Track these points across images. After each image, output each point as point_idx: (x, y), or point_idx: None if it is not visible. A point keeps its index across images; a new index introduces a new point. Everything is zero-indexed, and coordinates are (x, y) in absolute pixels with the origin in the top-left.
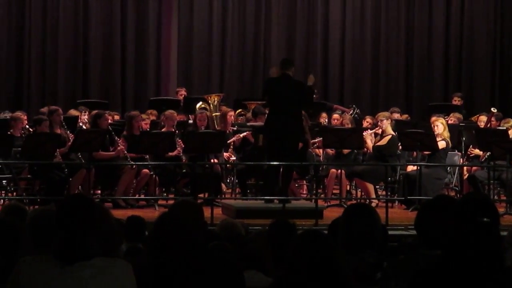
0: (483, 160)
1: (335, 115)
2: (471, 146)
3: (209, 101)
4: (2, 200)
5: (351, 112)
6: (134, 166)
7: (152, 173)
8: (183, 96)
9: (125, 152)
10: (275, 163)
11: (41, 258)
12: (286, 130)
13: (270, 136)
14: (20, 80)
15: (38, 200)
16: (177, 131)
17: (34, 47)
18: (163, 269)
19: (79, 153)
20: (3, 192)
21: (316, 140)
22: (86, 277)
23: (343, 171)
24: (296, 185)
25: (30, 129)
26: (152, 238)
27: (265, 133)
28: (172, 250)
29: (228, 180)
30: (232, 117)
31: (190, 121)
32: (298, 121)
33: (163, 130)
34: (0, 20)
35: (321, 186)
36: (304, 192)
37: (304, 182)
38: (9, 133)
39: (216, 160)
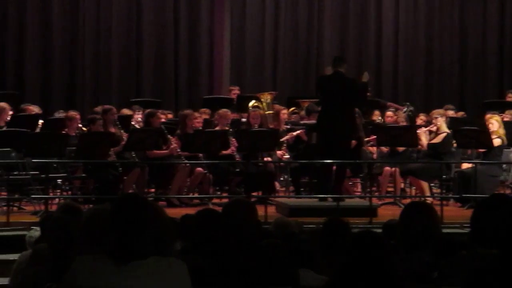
0: None
1: (389, 113)
2: None
3: (262, 99)
4: (57, 199)
5: (404, 109)
6: (187, 165)
7: (205, 171)
8: (236, 94)
9: (179, 150)
10: (328, 161)
11: (96, 257)
12: (338, 128)
13: (322, 134)
14: (74, 79)
15: (93, 199)
16: (230, 130)
17: (87, 47)
18: (216, 267)
19: (133, 152)
20: (58, 191)
21: (370, 138)
22: (141, 276)
23: (397, 169)
24: (350, 183)
25: (84, 128)
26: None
27: (317, 131)
28: (226, 249)
29: (281, 179)
30: (285, 115)
31: (243, 120)
32: (350, 119)
33: (216, 128)
34: (54, 20)
35: (375, 184)
36: (358, 190)
37: (358, 180)
38: (63, 132)
39: (269, 159)
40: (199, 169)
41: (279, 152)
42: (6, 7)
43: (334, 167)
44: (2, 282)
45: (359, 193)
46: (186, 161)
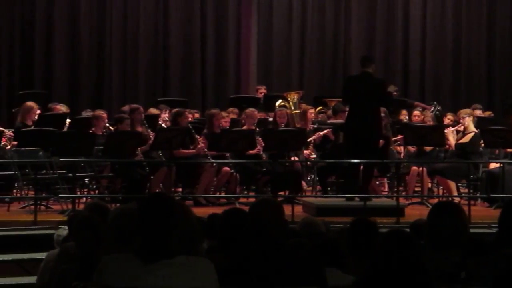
0: None
1: (416, 112)
2: None
3: (289, 99)
4: (84, 198)
5: (432, 109)
6: (214, 165)
7: (232, 171)
8: (263, 93)
9: (205, 150)
10: (355, 160)
11: (124, 257)
12: (366, 128)
13: (350, 134)
14: (101, 79)
15: (120, 198)
16: (257, 129)
17: (114, 46)
18: (243, 266)
19: (160, 151)
20: (85, 190)
21: (398, 137)
22: (168, 275)
23: (424, 168)
24: (377, 182)
25: (111, 128)
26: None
27: (344, 131)
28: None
29: (308, 178)
30: (312, 115)
31: (270, 119)
32: (377, 119)
33: (243, 128)
34: (81, 20)
35: (402, 184)
36: (385, 189)
37: (385, 179)
38: (90, 131)
39: (296, 158)
40: (226, 168)
41: (306, 152)
42: (34, 7)
43: (361, 167)
44: (29, 280)
45: (386, 193)
46: (213, 161)
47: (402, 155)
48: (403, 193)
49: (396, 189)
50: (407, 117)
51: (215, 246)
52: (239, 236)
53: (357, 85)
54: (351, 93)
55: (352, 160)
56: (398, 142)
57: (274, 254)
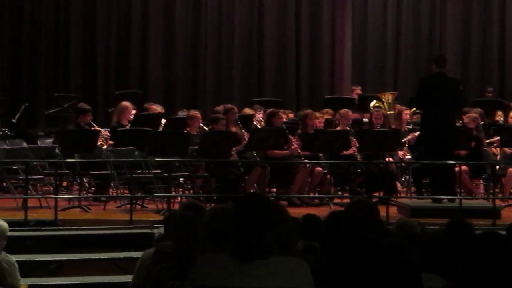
0: None
1: None
2: None
3: (384, 99)
4: (179, 198)
5: None
6: (307, 166)
7: (326, 171)
8: (357, 94)
9: (299, 151)
10: (450, 162)
11: (219, 256)
12: (444, 129)
13: (428, 135)
14: (196, 79)
15: (214, 198)
16: (351, 130)
17: (210, 46)
18: (338, 268)
19: (255, 152)
20: (180, 189)
21: (493, 139)
22: (264, 275)
23: None
24: (474, 184)
25: (205, 128)
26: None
27: (422, 131)
28: (349, 249)
29: (403, 179)
30: (407, 115)
31: (365, 120)
32: (454, 119)
33: (337, 128)
34: (177, 21)
35: (499, 186)
36: (481, 191)
37: (481, 181)
38: (185, 131)
39: (391, 159)
40: (319, 168)
41: (400, 152)
42: (130, 8)
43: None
44: (125, 279)
45: (482, 194)
46: (307, 161)
47: (498, 157)
48: (499, 195)
49: (492, 191)
50: (502, 118)
51: (310, 247)
52: (336, 237)
53: (434, 85)
54: (429, 94)
55: (448, 161)
56: (494, 144)
57: (371, 254)
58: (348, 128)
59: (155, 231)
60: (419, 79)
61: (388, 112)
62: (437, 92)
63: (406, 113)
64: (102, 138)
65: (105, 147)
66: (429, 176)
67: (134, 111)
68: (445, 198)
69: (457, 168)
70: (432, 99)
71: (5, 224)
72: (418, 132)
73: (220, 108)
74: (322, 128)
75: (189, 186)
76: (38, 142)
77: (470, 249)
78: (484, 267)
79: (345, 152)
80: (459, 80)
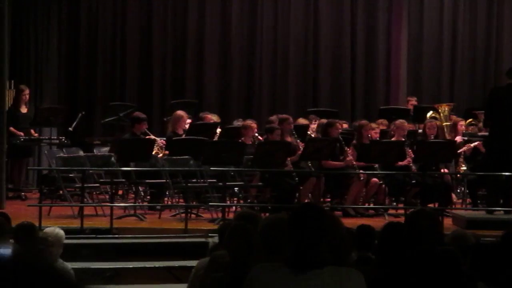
0: None
1: None
2: None
3: (439, 110)
4: (233, 207)
5: None
6: (362, 178)
7: (381, 182)
8: (413, 105)
9: (354, 162)
10: (507, 173)
11: (274, 266)
12: (509, 140)
13: (494, 146)
14: (251, 88)
15: (269, 207)
16: (407, 140)
17: (265, 57)
18: (394, 278)
19: (309, 162)
20: (234, 199)
21: None
22: (318, 285)
23: None
24: None
25: (260, 137)
26: (381, 247)
27: (489, 142)
28: (406, 260)
29: (458, 190)
30: (463, 127)
31: (420, 131)
32: None
33: (392, 139)
34: (232, 31)
35: None
36: None
37: None
38: (240, 140)
39: (446, 170)
40: (375, 179)
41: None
42: (186, 19)
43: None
44: (180, 287)
45: None
46: (362, 172)
47: None
48: None
49: None
50: None
51: (364, 257)
52: (393, 248)
53: (503, 96)
54: (497, 105)
55: (504, 173)
56: None
57: (426, 264)
58: (403, 139)
59: (210, 240)
60: (474, 91)
61: (444, 123)
62: (506, 103)
63: (462, 124)
64: (158, 147)
65: (160, 155)
66: (485, 187)
67: (189, 120)
68: (500, 210)
69: None
70: (501, 110)
71: (61, 232)
72: (473, 144)
73: (274, 118)
74: (377, 138)
75: (244, 196)
76: (95, 151)
77: None
78: None
79: (400, 163)
80: None
